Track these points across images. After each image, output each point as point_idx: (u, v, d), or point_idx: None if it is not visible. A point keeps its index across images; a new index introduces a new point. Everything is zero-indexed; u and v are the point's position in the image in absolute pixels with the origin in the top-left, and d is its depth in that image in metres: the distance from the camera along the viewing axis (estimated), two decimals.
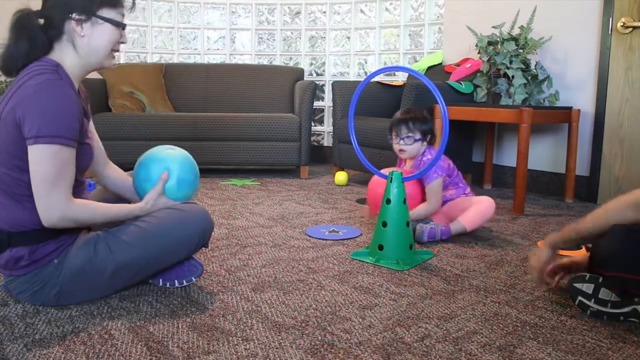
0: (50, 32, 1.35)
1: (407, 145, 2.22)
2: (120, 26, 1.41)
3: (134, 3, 1.47)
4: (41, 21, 1.35)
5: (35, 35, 1.33)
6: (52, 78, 1.30)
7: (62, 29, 1.35)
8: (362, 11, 4.48)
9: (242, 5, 4.62)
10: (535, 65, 3.08)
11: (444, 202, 2.27)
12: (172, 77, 4.16)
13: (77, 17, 1.34)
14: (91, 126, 1.53)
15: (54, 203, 1.29)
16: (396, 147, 2.26)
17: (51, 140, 1.26)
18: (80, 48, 1.37)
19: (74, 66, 1.39)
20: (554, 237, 1.53)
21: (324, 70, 4.64)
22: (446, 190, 2.27)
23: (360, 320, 1.39)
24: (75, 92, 1.36)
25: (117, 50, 1.45)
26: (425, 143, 2.24)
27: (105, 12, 1.37)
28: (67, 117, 1.29)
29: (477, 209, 2.17)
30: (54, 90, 1.28)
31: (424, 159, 2.22)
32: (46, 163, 1.27)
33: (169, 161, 1.53)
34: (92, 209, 1.38)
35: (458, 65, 3.53)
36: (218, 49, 4.66)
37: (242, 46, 4.70)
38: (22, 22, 1.33)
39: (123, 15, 1.43)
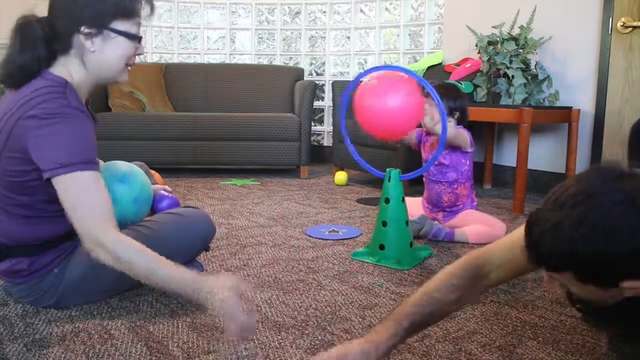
0: (56, 44, 1.24)
1: (430, 107, 2.20)
2: (136, 39, 1.27)
3: (152, 9, 1.30)
4: (46, 29, 1.23)
5: (38, 48, 1.22)
6: (58, 104, 1.19)
7: (69, 42, 1.23)
8: (362, 11, 4.48)
9: (242, 5, 4.62)
10: (535, 65, 3.08)
11: (456, 213, 2.26)
12: (172, 77, 4.16)
13: (86, 30, 1.21)
14: None
15: (88, 232, 1.16)
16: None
17: (70, 169, 1.17)
18: (90, 64, 1.25)
19: (81, 81, 1.28)
20: None
21: (324, 70, 4.63)
22: (459, 186, 2.25)
23: (360, 320, 1.39)
24: (85, 114, 1.25)
25: (132, 65, 1.32)
26: (453, 120, 2.22)
27: (119, 25, 1.23)
28: (83, 144, 1.21)
29: (487, 230, 2.13)
30: (63, 119, 1.18)
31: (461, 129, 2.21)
32: (71, 189, 1.18)
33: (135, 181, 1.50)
34: (136, 249, 1.15)
35: (458, 65, 3.53)
36: (218, 49, 4.66)
37: (242, 46, 4.70)
38: (25, 31, 1.22)
39: (139, 25, 1.28)
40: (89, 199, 1.18)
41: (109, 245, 1.15)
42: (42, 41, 1.23)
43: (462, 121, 2.26)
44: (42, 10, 1.29)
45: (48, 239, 1.34)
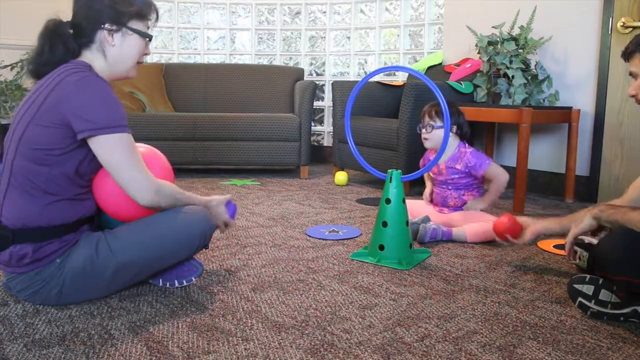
0: (81, 40, 1.43)
1: (427, 133, 2.27)
2: (147, 38, 1.50)
3: (157, 16, 1.55)
4: (71, 30, 1.43)
5: (69, 42, 1.42)
6: (91, 74, 1.37)
7: (93, 37, 1.43)
8: (362, 11, 4.48)
9: (242, 5, 4.62)
10: (535, 65, 3.08)
11: (456, 209, 2.28)
12: (172, 77, 4.16)
13: (108, 27, 1.43)
14: None
15: (145, 180, 1.38)
16: (422, 136, 2.32)
17: (115, 130, 1.35)
18: (110, 56, 1.45)
19: (101, 72, 1.45)
20: (600, 211, 1.47)
21: (324, 70, 4.64)
22: (466, 193, 2.29)
23: (360, 320, 1.39)
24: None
25: (141, 63, 1.53)
26: (452, 133, 2.26)
27: (135, 24, 1.46)
28: (118, 106, 1.38)
29: (486, 226, 2.12)
30: (99, 85, 1.36)
31: (468, 150, 2.25)
32: (121, 149, 1.36)
33: None
34: (171, 186, 1.48)
35: (458, 65, 3.53)
36: (218, 49, 4.66)
37: (242, 46, 4.70)
38: (56, 30, 1.41)
39: (149, 28, 1.52)
40: (138, 157, 1.40)
41: (164, 189, 1.43)
42: (71, 37, 1.43)
43: (463, 136, 2.30)
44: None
45: (56, 224, 1.37)
